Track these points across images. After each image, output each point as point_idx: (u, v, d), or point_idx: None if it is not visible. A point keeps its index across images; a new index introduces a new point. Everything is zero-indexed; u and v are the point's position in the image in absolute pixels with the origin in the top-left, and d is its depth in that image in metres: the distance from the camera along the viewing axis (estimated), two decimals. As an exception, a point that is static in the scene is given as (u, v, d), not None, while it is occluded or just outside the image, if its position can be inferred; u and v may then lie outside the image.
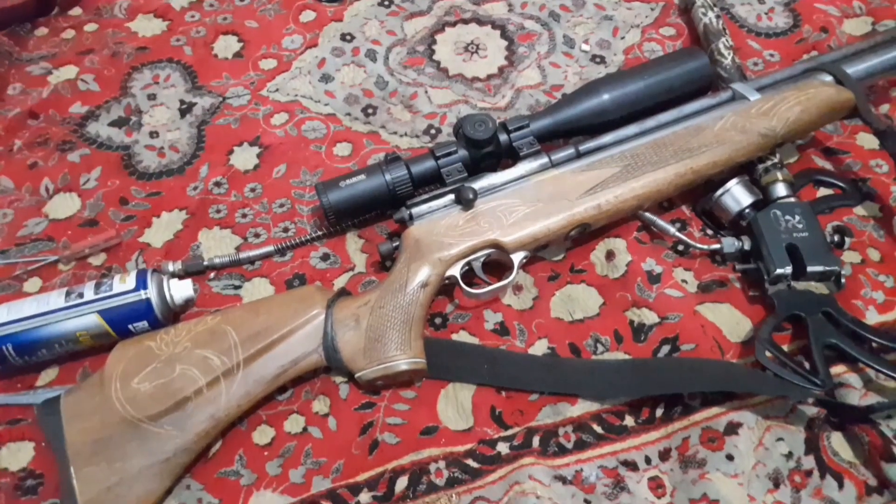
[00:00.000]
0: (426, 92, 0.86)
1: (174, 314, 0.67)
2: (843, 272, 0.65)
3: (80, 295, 0.63)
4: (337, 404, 0.63)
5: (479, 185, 0.67)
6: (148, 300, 0.63)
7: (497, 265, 0.68)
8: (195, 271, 0.71)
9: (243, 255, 0.72)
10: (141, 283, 0.64)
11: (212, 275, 0.71)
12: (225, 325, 0.61)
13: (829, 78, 0.71)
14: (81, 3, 0.95)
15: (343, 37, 0.91)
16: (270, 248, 0.72)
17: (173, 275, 0.69)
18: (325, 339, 0.61)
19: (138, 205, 0.76)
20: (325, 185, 0.68)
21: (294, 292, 0.66)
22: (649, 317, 0.67)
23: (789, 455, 0.60)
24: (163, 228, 0.74)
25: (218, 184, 0.78)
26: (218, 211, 0.76)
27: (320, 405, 0.63)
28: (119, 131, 0.82)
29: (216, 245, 0.73)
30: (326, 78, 0.87)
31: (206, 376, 0.58)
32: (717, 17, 0.84)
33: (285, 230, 0.74)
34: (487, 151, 0.68)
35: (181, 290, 0.66)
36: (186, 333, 0.60)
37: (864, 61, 0.73)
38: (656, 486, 0.59)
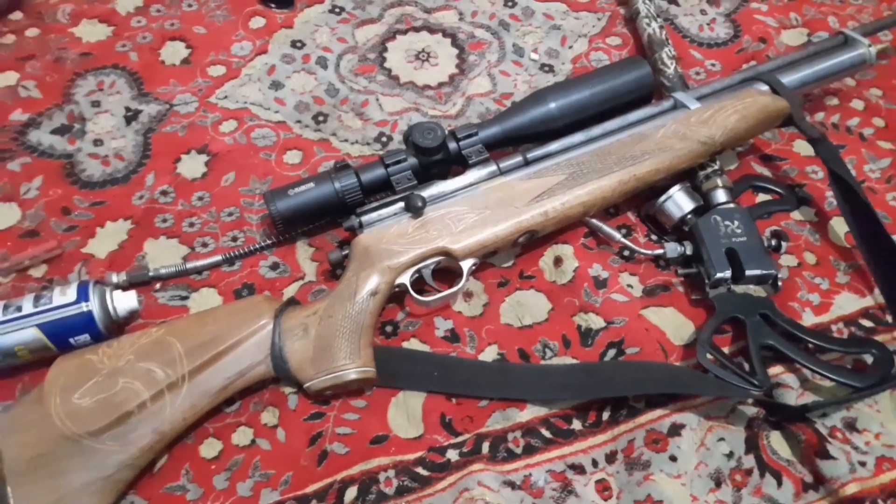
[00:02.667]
0: (377, 100, 0.86)
1: (118, 326, 0.66)
2: (779, 275, 0.67)
3: (19, 308, 0.61)
4: (286, 415, 0.63)
5: (428, 192, 0.67)
6: (89, 313, 0.62)
7: (447, 272, 0.68)
8: (140, 282, 0.69)
9: (190, 265, 0.70)
10: (82, 295, 0.62)
11: (157, 286, 0.70)
12: (169, 336, 0.60)
13: (765, 87, 0.74)
14: (22, 8, 0.92)
15: (293, 44, 0.91)
16: (218, 258, 0.71)
17: (117, 286, 0.68)
18: (272, 350, 0.61)
19: (81, 214, 0.74)
20: (274, 193, 0.68)
21: (241, 302, 0.65)
22: (596, 321, 0.69)
23: (730, 454, 0.61)
24: (107, 238, 0.73)
25: (164, 192, 0.76)
26: (164, 220, 0.74)
27: (269, 416, 0.63)
28: (62, 139, 0.80)
29: (162, 255, 0.72)
30: (276, 85, 0.86)
31: (150, 389, 0.57)
32: (661, 27, 0.86)
33: (234, 239, 0.74)
34: (437, 159, 0.69)
35: (125, 301, 0.65)
36: (130, 346, 0.59)
37: (799, 71, 0.76)
38: (603, 488, 0.60)
